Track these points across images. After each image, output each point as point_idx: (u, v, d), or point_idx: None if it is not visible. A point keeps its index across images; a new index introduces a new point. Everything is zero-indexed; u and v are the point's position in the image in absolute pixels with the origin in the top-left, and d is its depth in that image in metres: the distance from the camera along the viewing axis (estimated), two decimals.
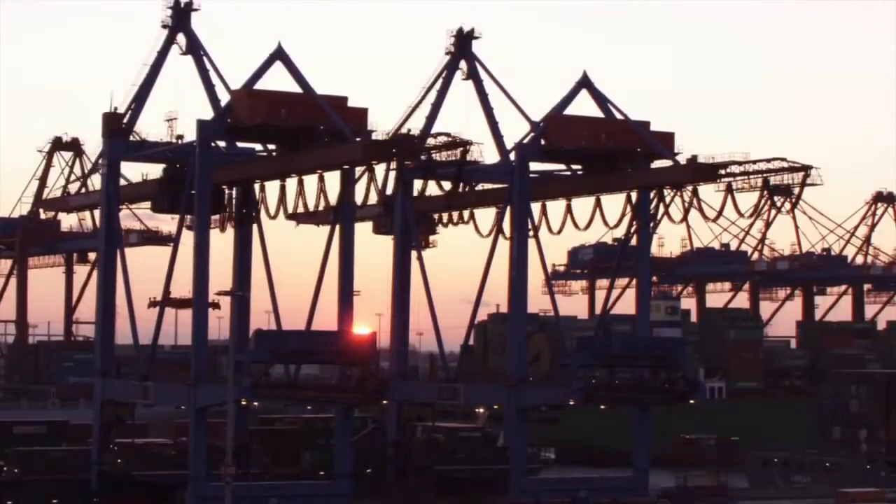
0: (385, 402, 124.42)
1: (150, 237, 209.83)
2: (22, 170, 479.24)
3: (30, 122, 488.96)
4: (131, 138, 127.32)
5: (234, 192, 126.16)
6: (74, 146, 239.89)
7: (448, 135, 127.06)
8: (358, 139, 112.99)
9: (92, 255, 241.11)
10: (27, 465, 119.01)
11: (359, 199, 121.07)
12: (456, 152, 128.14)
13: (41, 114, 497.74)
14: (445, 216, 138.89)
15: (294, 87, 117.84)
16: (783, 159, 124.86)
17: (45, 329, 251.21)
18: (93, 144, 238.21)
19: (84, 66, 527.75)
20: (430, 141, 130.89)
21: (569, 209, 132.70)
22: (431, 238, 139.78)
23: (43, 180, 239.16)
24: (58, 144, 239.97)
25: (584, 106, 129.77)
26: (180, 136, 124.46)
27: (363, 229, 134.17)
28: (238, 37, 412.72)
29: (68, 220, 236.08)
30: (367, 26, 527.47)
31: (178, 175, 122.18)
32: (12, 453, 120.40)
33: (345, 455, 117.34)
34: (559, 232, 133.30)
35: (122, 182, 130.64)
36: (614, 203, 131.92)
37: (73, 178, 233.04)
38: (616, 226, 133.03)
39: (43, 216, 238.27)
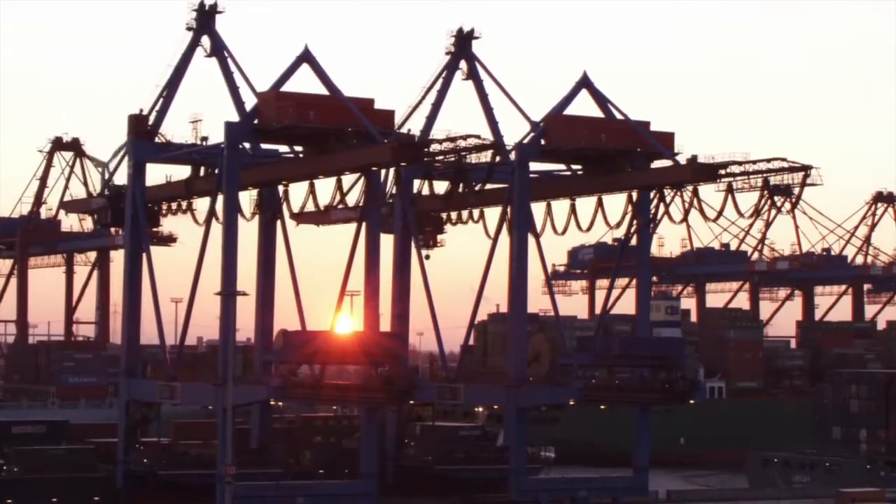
0: (412, 402, 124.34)
1: (154, 238, 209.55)
2: (23, 170, 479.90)
3: (30, 122, 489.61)
4: (156, 140, 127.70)
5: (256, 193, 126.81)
6: (75, 146, 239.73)
7: (478, 136, 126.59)
8: (386, 141, 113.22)
9: (91, 255, 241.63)
10: (27, 464, 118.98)
11: (352, 199, 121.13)
12: (485, 154, 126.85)
13: (42, 114, 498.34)
14: (455, 215, 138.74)
15: (318, 90, 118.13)
16: (783, 159, 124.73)
17: (45, 329, 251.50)
18: (92, 145, 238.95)
19: (86, 66, 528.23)
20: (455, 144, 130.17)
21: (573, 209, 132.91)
22: (439, 237, 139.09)
23: (43, 180, 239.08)
24: (58, 144, 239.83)
25: (584, 106, 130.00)
26: (205, 138, 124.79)
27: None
28: (251, 40, 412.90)
29: (68, 220, 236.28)
30: (367, 26, 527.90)
31: (121, 192, 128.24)
32: (12, 453, 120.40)
33: (371, 455, 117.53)
34: (563, 231, 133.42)
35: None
36: (614, 203, 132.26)
37: (82, 179, 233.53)
38: (618, 226, 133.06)
39: (44, 216, 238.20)
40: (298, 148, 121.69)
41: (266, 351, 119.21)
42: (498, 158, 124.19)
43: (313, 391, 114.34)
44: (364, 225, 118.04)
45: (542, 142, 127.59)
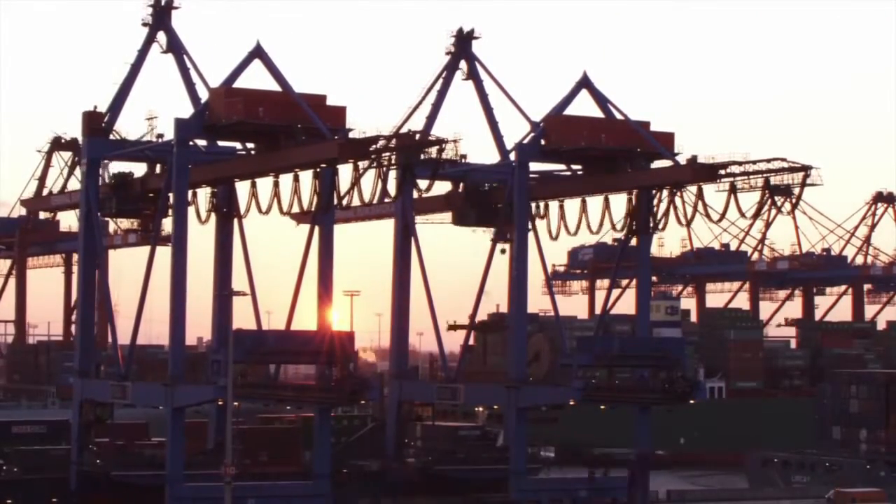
0: (363, 402, 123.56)
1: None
2: (22, 169, 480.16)
3: (30, 121, 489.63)
4: (112, 137, 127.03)
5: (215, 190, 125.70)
6: (74, 146, 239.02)
7: (425, 132, 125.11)
8: (336, 137, 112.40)
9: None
10: (27, 464, 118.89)
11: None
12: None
13: (42, 113, 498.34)
14: None
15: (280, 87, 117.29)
16: (783, 159, 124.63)
17: (45, 329, 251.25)
18: None
19: (85, 65, 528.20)
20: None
21: (561, 210, 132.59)
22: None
23: (42, 180, 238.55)
24: (57, 144, 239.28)
25: (584, 106, 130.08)
26: (161, 135, 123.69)
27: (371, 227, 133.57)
28: (226, 35, 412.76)
29: (67, 220, 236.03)
30: (369, 27, 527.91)
31: (126, 181, 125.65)
32: (12, 453, 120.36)
33: (324, 455, 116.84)
34: (555, 238, 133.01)
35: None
36: (614, 203, 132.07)
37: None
38: (623, 228, 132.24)
39: (43, 216, 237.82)
40: (251, 145, 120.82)
41: (216, 350, 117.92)
42: (445, 155, 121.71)
43: (264, 391, 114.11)
44: (318, 228, 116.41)
45: (542, 142, 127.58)
